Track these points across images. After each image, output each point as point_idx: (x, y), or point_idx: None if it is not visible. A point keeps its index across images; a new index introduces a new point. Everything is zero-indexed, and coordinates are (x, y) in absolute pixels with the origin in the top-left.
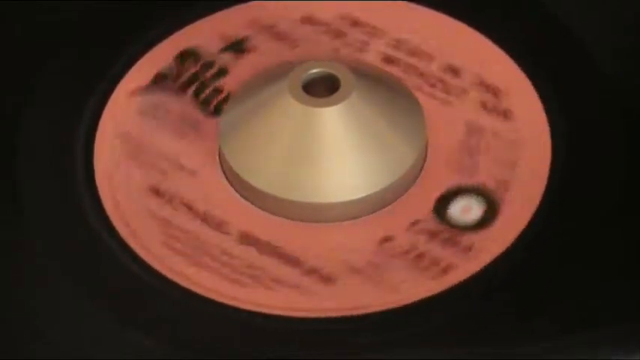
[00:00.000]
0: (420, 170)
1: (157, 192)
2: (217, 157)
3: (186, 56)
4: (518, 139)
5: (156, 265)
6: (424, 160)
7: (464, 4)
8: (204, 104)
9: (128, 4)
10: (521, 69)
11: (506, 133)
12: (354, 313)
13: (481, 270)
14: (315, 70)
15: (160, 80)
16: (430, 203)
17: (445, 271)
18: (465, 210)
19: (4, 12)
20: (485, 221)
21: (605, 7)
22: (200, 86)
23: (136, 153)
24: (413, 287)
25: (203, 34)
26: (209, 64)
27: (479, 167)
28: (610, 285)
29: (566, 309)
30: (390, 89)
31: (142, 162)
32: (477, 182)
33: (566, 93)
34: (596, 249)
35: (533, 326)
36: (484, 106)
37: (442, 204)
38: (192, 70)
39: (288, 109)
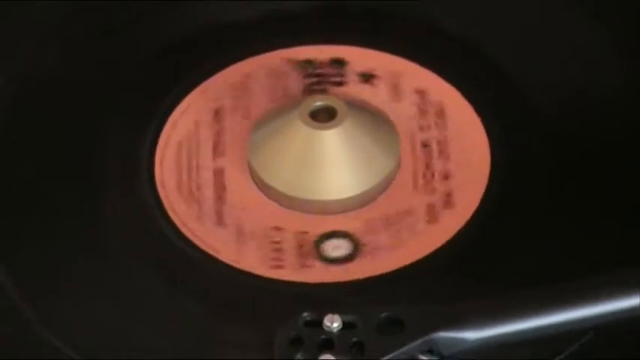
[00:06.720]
0: (395, 175)
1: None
2: (247, 168)
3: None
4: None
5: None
6: (398, 168)
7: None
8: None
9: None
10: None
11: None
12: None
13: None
14: (318, 103)
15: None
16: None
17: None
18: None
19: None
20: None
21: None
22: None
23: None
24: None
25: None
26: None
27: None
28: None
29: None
30: (374, 117)
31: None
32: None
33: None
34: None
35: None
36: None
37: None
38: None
39: (298, 132)
